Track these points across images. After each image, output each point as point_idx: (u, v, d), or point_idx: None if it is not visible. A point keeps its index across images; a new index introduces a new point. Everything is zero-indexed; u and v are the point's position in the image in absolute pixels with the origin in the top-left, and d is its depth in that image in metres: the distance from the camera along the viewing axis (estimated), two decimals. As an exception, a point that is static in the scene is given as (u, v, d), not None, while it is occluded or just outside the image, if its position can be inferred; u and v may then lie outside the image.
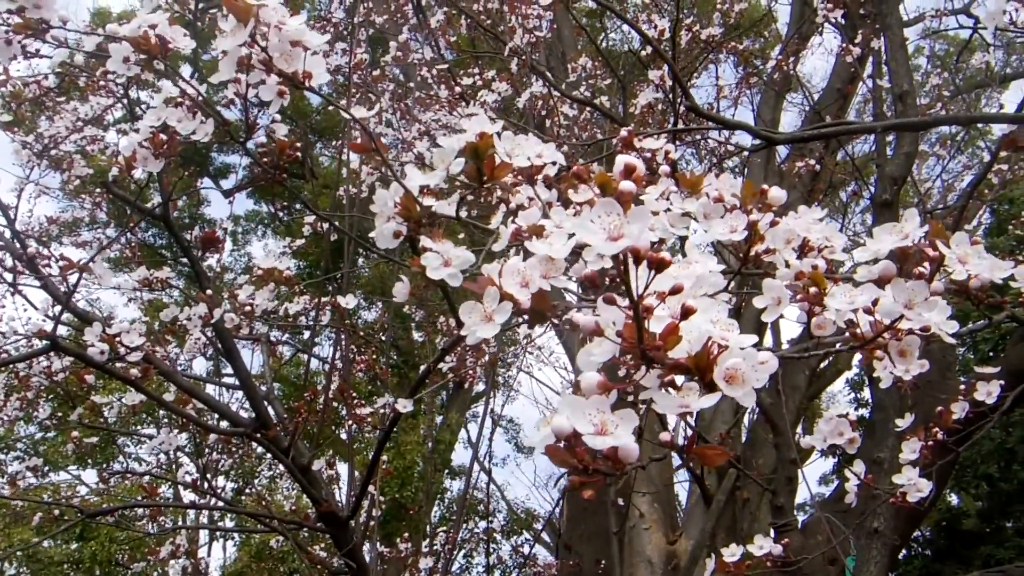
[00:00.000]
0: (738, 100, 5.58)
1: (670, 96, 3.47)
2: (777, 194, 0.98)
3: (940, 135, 6.42)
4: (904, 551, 6.75)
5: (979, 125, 4.80)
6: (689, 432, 0.65)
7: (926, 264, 0.80)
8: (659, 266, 0.55)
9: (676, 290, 0.56)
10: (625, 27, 6.71)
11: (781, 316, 0.90)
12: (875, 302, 0.76)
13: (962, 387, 1.92)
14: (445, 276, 0.82)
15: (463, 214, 0.96)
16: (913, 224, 0.84)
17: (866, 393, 7.53)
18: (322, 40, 0.92)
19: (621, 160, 0.70)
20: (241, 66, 0.91)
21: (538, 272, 0.63)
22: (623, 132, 1.40)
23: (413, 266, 0.83)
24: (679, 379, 0.56)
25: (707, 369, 0.55)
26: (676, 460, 5.52)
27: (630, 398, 0.60)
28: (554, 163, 0.97)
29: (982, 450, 6.60)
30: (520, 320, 0.67)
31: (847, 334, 0.79)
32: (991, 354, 5.84)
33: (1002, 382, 1.84)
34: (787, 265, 0.93)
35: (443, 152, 0.90)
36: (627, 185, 0.59)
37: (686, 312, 0.55)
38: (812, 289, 0.82)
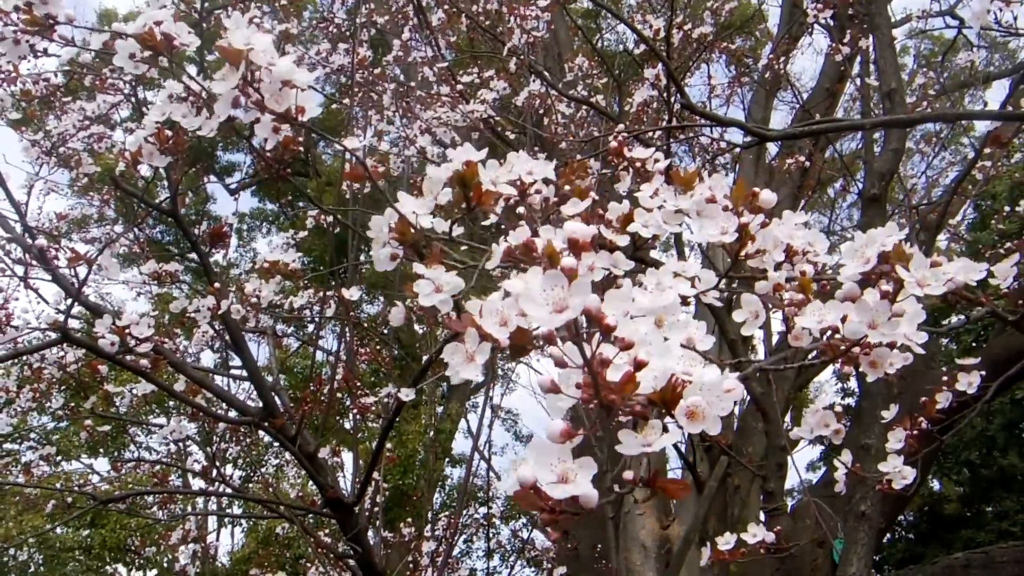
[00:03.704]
0: (730, 99, 5.64)
1: (665, 94, 3.55)
2: (767, 197, 0.98)
3: (925, 132, 6.47)
4: (888, 535, 6.83)
5: (963, 122, 4.89)
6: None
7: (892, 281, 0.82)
8: (607, 330, 0.57)
9: (627, 346, 0.57)
10: (620, 27, 6.77)
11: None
12: (844, 319, 0.78)
13: (945, 378, 1.94)
14: (436, 303, 0.85)
15: (459, 232, 0.99)
16: (874, 248, 0.86)
17: (853, 382, 7.55)
18: (311, 77, 0.94)
19: (569, 229, 0.72)
20: (235, 106, 0.94)
21: (516, 310, 0.62)
22: (612, 143, 1.43)
23: (407, 292, 0.86)
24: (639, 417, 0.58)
25: (672, 404, 0.57)
26: (674, 458, 5.60)
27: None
28: (546, 180, 1.00)
29: (964, 437, 6.66)
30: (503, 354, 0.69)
31: (820, 346, 0.82)
32: (974, 345, 5.93)
33: (982, 372, 1.88)
34: (777, 268, 0.96)
35: (431, 181, 0.92)
36: (569, 262, 0.59)
37: (639, 365, 0.56)
38: (791, 301, 0.86)
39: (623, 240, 0.99)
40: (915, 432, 1.89)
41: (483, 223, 1.03)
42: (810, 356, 0.88)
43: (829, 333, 0.80)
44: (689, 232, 1.01)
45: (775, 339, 4.89)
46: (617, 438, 0.59)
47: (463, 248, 1.07)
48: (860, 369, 0.82)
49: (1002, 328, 3.37)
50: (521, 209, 1.01)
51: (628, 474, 0.64)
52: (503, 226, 0.99)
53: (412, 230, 0.93)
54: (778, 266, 0.97)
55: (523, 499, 0.54)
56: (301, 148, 1.43)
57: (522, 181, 0.98)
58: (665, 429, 0.58)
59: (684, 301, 0.99)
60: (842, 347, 0.79)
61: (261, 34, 0.90)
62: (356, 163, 1.04)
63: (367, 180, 1.04)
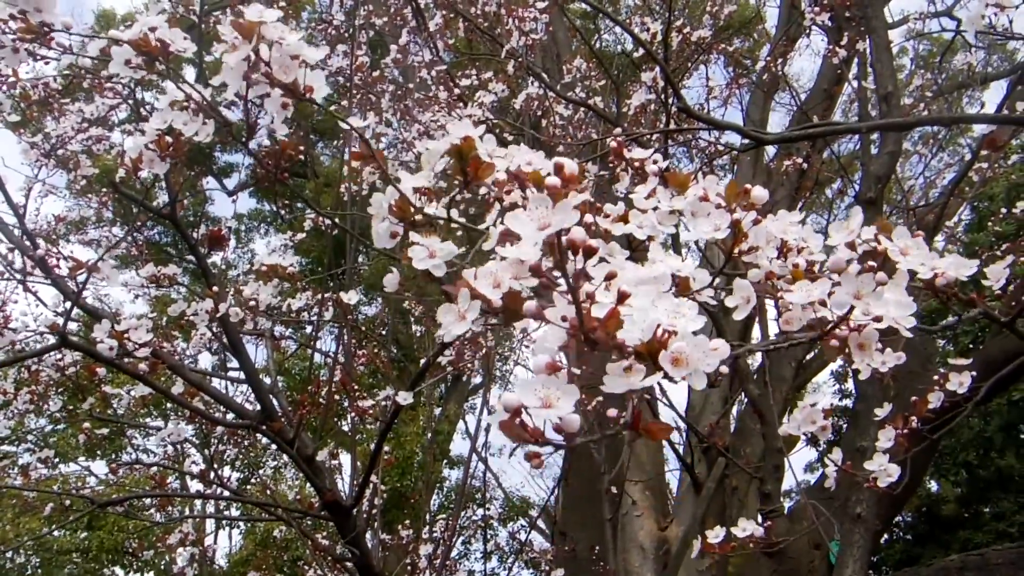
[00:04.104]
0: (728, 100, 5.64)
1: (662, 97, 3.55)
2: (759, 193, 0.98)
3: (923, 134, 6.49)
4: (886, 536, 6.85)
5: (960, 124, 4.90)
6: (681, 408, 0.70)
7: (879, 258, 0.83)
8: (587, 252, 0.59)
9: (610, 276, 0.59)
10: (619, 28, 6.78)
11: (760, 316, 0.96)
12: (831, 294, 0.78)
13: (936, 378, 1.94)
14: (430, 266, 0.86)
15: (456, 215, 0.99)
16: (858, 219, 0.88)
17: (850, 384, 7.59)
18: (320, 55, 0.96)
19: (557, 161, 0.75)
20: (245, 78, 0.96)
21: (509, 274, 0.64)
22: (611, 143, 1.44)
23: (403, 259, 0.87)
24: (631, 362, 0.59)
25: (658, 353, 0.58)
26: (672, 460, 5.61)
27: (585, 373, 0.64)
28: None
29: (962, 439, 6.69)
30: (497, 319, 0.69)
31: (808, 324, 0.83)
32: (971, 346, 5.96)
33: (974, 373, 1.87)
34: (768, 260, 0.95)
35: (430, 153, 0.94)
36: (552, 180, 0.63)
37: (622, 296, 0.58)
38: (782, 286, 0.87)
39: (618, 229, 0.99)
40: (905, 431, 1.89)
41: (481, 227, 1.01)
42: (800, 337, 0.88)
43: (817, 309, 0.81)
44: (686, 231, 1.00)
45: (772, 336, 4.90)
46: (602, 380, 0.59)
47: (459, 234, 1.07)
48: (850, 355, 0.82)
49: (999, 330, 3.39)
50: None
51: (611, 412, 0.64)
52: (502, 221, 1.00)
53: (411, 208, 0.95)
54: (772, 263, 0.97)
55: (508, 428, 0.56)
56: (298, 151, 1.42)
57: (521, 171, 0.97)
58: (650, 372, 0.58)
59: (682, 289, 1.03)
60: (827, 323, 0.80)
61: (271, 11, 0.93)
62: (360, 142, 1.03)
63: (371, 161, 1.03)
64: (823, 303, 0.79)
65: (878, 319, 0.77)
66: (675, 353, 0.58)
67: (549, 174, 0.73)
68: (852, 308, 0.77)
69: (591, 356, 0.60)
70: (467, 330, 0.68)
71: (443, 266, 0.87)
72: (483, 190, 1.00)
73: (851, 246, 0.89)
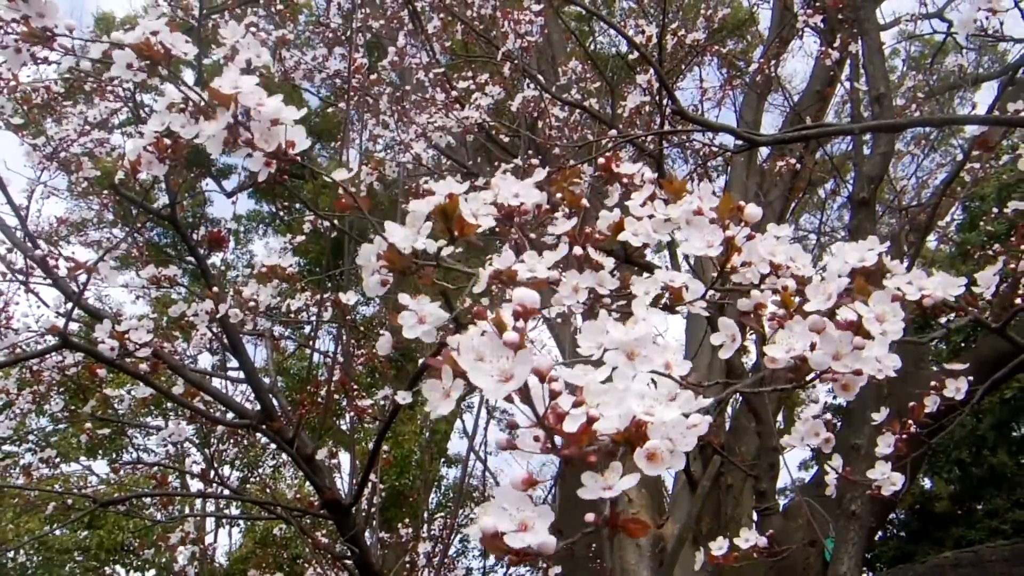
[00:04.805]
0: (722, 102, 5.67)
1: (657, 99, 3.59)
2: (753, 211, 0.99)
3: (915, 134, 6.53)
4: (879, 533, 6.88)
5: (952, 126, 4.95)
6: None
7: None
8: (554, 395, 0.60)
9: (578, 403, 0.59)
10: (613, 31, 6.81)
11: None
12: (813, 346, 0.79)
13: (933, 383, 1.94)
14: (420, 334, 0.88)
15: (448, 250, 0.98)
16: (836, 285, 0.86)
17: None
18: (298, 114, 0.97)
19: (518, 297, 0.71)
20: (227, 145, 0.97)
21: (489, 351, 0.63)
22: (601, 160, 1.41)
23: (392, 323, 0.90)
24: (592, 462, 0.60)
25: (636, 443, 0.58)
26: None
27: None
28: (538, 186, 1.01)
29: (954, 437, 6.72)
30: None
31: (787, 372, 0.82)
32: (963, 345, 5.99)
33: (970, 378, 1.89)
34: (761, 280, 0.97)
35: (414, 215, 0.93)
36: (510, 336, 0.61)
37: (590, 421, 0.58)
38: (780, 315, 0.86)
39: (609, 262, 1.01)
40: (904, 436, 1.91)
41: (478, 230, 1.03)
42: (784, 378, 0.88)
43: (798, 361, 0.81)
44: (682, 239, 1.00)
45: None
46: (579, 481, 0.60)
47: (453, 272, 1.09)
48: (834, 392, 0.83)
49: (990, 330, 3.41)
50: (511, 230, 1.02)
51: (589, 516, 0.65)
52: (496, 230, 1.02)
53: (400, 257, 0.95)
54: (764, 279, 0.98)
55: (488, 544, 0.57)
56: (298, 157, 1.44)
57: (508, 205, 0.99)
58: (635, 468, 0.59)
59: (672, 310, 1.01)
60: (809, 375, 0.80)
61: (247, 77, 0.93)
62: (344, 194, 1.05)
63: (356, 212, 1.05)
64: (803, 359, 0.79)
65: (858, 372, 0.79)
66: (649, 450, 0.59)
67: (514, 309, 0.69)
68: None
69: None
70: (452, 408, 0.68)
71: (432, 332, 0.88)
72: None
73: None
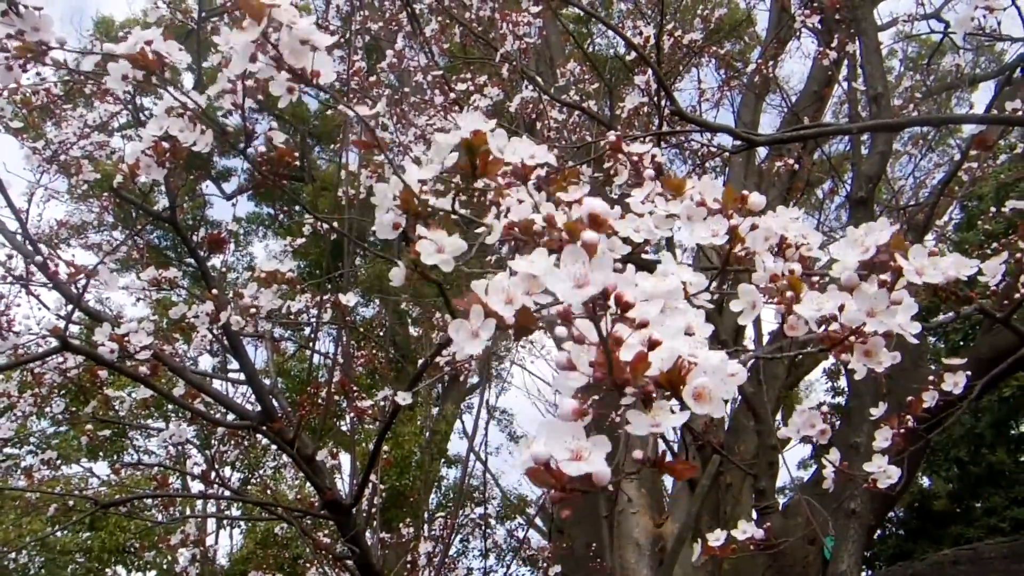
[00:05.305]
0: (720, 102, 5.69)
1: (655, 100, 3.60)
2: (756, 199, 0.99)
3: (912, 134, 6.55)
4: (878, 531, 6.89)
5: (949, 125, 4.96)
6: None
7: (889, 272, 0.83)
8: (625, 307, 0.57)
9: (642, 324, 0.57)
10: (611, 32, 6.82)
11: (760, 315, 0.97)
12: (841, 308, 0.79)
13: (931, 378, 1.96)
14: (438, 262, 0.85)
15: (458, 209, 0.99)
16: (873, 238, 0.86)
17: (842, 381, 7.63)
18: (330, 40, 0.93)
19: (588, 205, 0.71)
20: (252, 60, 0.93)
21: (521, 289, 0.62)
22: (611, 136, 1.43)
23: (410, 254, 0.87)
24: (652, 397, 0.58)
25: (679, 385, 0.57)
26: (667, 457, 5.65)
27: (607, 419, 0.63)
28: (545, 164, 0.98)
29: (953, 435, 6.73)
30: (508, 334, 0.68)
31: (817, 336, 0.82)
32: (961, 343, 6.00)
33: (968, 373, 1.92)
34: (764, 268, 0.94)
35: (439, 146, 0.90)
36: (590, 236, 0.59)
37: (652, 344, 0.57)
38: (787, 292, 0.85)
39: (622, 227, 0.98)
40: (902, 430, 1.91)
41: (480, 229, 1.01)
42: (808, 346, 0.89)
43: (826, 323, 0.81)
44: (683, 234, 1.01)
45: (765, 339, 4.95)
46: (625, 419, 0.59)
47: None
48: (853, 360, 0.83)
49: (989, 327, 3.41)
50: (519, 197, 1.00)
51: (637, 454, 0.64)
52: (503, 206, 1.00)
53: (415, 200, 0.93)
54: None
55: (536, 476, 0.54)
56: (295, 158, 1.45)
57: (524, 164, 0.97)
58: (672, 410, 0.58)
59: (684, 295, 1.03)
60: (839, 336, 0.80)
61: None
62: (366, 132, 1.02)
63: (376, 148, 1.00)
64: (833, 317, 0.79)
65: (888, 334, 0.79)
66: (698, 388, 0.57)
67: (583, 223, 0.69)
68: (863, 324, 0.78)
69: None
70: (481, 348, 0.66)
71: (451, 261, 0.86)
72: (484, 188, 0.99)
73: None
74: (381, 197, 0.96)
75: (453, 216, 0.98)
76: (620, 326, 0.57)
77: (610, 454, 0.55)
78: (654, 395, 0.57)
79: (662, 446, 4.76)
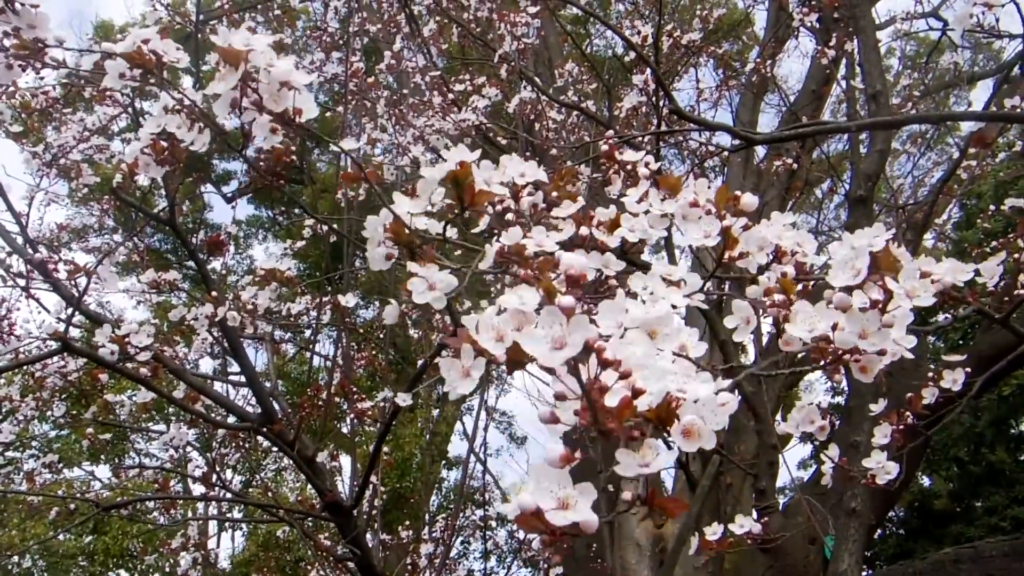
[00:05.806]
0: (718, 102, 5.68)
1: (654, 99, 3.61)
2: (749, 200, 0.98)
3: (911, 133, 6.54)
4: (879, 530, 6.89)
5: (948, 123, 4.96)
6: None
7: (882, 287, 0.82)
8: (605, 364, 0.57)
9: (624, 375, 0.57)
10: (609, 33, 6.83)
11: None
12: (834, 327, 0.78)
13: (931, 374, 1.94)
14: (430, 300, 0.86)
15: (452, 233, 0.98)
16: (863, 261, 0.85)
17: (842, 380, 7.68)
18: (308, 79, 0.93)
19: (566, 263, 0.70)
20: (234, 106, 0.93)
21: (511, 326, 0.62)
22: (603, 147, 1.43)
23: (402, 291, 0.88)
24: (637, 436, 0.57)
25: (668, 421, 0.57)
26: (662, 447, 5.67)
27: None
28: (535, 185, 1.00)
29: (953, 434, 6.74)
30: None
31: (811, 349, 0.81)
32: (960, 342, 5.99)
33: (967, 369, 1.91)
34: (759, 271, 0.96)
35: (426, 182, 0.91)
36: (567, 300, 0.58)
37: (636, 393, 0.56)
38: (780, 300, 0.85)
39: (614, 241, 1.00)
40: (901, 427, 1.91)
41: (474, 231, 1.02)
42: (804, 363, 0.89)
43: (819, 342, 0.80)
44: (680, 234, 1.01)
45: (765, 339, 4.95)
46: (614, 459, 0.58)
47: (457, 253, 1.08)
48: (851, 374, 0.83)
49: (988, 326, 3.40)
50: (510, 216, 1.01)
51: (626, 494, 0.63)
52: (494, 230, 1.00)
53: (406, 230, 0.94)
54: (764, 268, 0.98)
55: (525, 523, 0.54)
56: (294, 158, 1.45)
57: (514, 183, 0.98)
58: (668, 445, 0.58)
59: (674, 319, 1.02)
60: (832, 354, 0.80)
61: (260, 36, 0.91)
62: (352, 164, 1.03)
63: (363, 182, 1.02)
64: (827, 339, 0.79)
65: (882, 352, 0.78)
66: (687, 427, 0.57)
67: (561, 282, 0.69)
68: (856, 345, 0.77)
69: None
70: (473, 387, 0.66)
71: (443, 299, 0.86)
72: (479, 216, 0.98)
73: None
74: (372, 230, 0.96)
75: (445, 242, 0.98)
76: (605, 373, 0.57)
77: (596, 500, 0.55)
78: (642, 436, 0.57)
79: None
